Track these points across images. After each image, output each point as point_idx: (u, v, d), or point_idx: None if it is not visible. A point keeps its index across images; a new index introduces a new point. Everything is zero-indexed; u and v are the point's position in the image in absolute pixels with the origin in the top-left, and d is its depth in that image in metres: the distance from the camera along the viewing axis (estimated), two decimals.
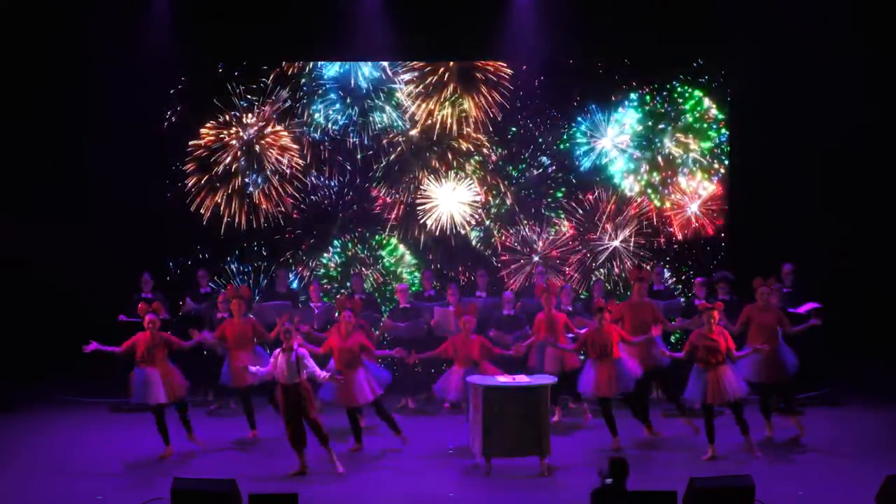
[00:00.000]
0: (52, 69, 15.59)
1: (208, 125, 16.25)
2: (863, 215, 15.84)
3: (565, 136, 16.35)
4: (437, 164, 16.36)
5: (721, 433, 12.05)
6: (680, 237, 16.28)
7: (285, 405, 11.22)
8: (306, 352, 11.38)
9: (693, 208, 16.27)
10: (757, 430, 12.37)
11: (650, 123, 16.31)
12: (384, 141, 16.33)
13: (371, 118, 16.30)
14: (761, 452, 11.82)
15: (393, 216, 16.38)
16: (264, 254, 16.25)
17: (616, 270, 16.27)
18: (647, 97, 16.30)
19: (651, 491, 9.49)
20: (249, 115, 16.27)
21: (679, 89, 16.32)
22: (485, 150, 16.37)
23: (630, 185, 16.35)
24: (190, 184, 16.21)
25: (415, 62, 16.26)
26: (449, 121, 16.28)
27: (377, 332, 14.53)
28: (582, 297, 15.66)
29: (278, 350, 11.31)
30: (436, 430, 12.73)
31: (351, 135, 16.32)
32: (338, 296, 13.57)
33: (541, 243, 16.24)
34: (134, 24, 15.66)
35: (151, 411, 12.03)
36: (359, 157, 16.32)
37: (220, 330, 12.99)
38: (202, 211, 16.22)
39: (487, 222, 16.37)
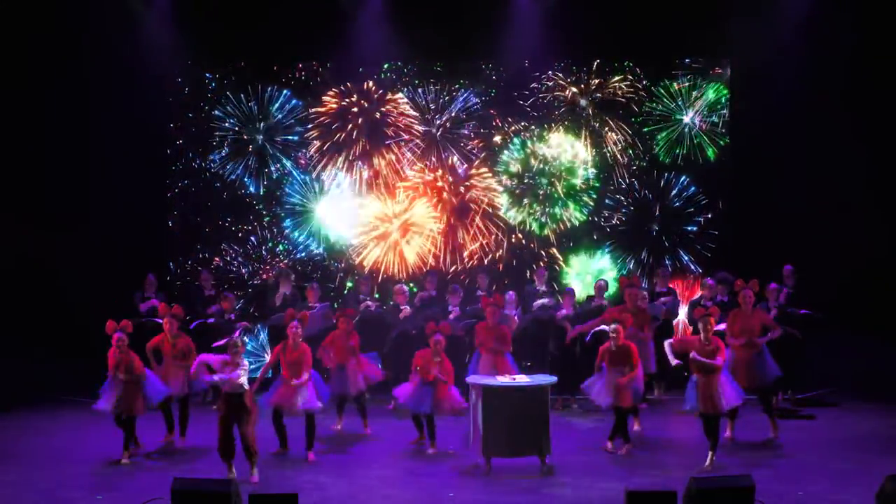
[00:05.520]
0: (53, 68, 15.62)
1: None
2: (863, 215, 15.86)
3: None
4: None
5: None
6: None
7: (225, 413, 11.08)
8: (246, 364, 11.31)
9: None
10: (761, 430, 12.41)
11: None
12: None
13: None
14: (711, 467, 11.57)
15: None
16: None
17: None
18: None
19: (651, 491, 9.49)
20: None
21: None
22: None
23: None
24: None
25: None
26: None
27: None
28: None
29: (222, 361, 11.21)
30: (435, 430, 12.72)
31: None
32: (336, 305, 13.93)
33: None
34: (135, 23, 15.71)
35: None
36: None
37: (154, 343, 12.79)
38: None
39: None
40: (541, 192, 16.47)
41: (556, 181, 16.47)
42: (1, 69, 15.40)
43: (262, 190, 16.57)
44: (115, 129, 15.65)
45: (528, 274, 16.18)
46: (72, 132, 15.78)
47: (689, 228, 16.60)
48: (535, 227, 16.48)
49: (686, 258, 16.55)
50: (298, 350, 12.15)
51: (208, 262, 16.40)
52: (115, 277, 15.21)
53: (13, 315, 15.34)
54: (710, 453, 11.56)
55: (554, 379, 11.96)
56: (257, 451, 11.15)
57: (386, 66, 16.46)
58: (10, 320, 15.25)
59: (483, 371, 12.87)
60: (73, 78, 15.64)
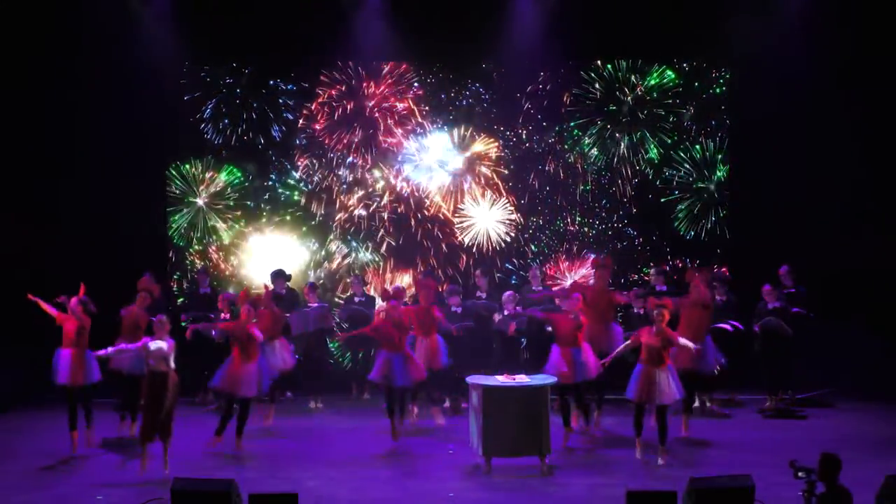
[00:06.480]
0: (53, 68, 15.63)
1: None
2: (863, 214, 15.86)
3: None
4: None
5: (716, 432, 12.13)
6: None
7: (148, 392, 11.19)
8: (173, 343, 11.44)
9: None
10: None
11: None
12: None
13: None
14: (664, 461, 11.64)
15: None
16: None
17: None
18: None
19: (651, 491, 9.49)
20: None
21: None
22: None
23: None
24: None
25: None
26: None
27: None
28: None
29: (148, 339, 11.36)
30: (436, 430, 12.73)
31: None
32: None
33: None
34: (135, 23, 15.72)
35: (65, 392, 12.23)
36: None
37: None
38: None
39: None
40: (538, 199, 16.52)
41: (558, 190, 16.55)
42: (1, 69, 15.40)
43: (262, 190, 16.57)
44: (115, 129, 15.64)
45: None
46: (71, 132, 15.78)
47: (692, 233, 16.63)
48: (532, 247, 16.55)
49: (688, 261, 16.57)
50: (245, 332, 12.19)
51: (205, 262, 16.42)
52: (115, 277, 15.18)
53: (12, 315, 15.33)
54: (637, 439, 11.79)
55: (554, 379, 11.98)
56: (172, 432, 11.22)
57: (385, 66, 16.49)
58: (10, 320, 15.25)
59: (418, 355, 12.98)
60: (72, 78, 15.65)
